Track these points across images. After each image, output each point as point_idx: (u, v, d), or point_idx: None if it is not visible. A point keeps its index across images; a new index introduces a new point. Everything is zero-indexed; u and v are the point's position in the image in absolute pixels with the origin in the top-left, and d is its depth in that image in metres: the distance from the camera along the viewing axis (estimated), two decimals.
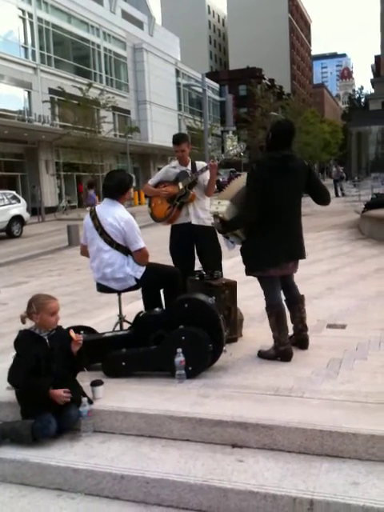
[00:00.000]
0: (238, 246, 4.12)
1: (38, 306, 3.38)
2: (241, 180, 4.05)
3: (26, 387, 3.29)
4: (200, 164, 5.15)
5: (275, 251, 3.86)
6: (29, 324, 3.47)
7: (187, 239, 5.01)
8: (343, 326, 4.75)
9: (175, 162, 5.21)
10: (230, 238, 4.10)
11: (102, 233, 4.18)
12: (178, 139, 5.10)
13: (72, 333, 3.52)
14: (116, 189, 4.29)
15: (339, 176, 30.19)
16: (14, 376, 3.34)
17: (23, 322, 3.44)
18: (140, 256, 4.19)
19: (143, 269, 4.21)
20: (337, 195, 27.58)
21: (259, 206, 3.77)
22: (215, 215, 3.99)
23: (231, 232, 4.05)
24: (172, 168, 5.17)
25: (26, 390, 3.30)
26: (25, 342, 3.38)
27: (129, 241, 4.15)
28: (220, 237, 4.43)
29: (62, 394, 3.26)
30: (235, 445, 3.01)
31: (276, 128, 3.93)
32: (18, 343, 3.40)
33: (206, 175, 5.01)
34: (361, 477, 2.63)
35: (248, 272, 4.05)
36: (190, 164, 5.12)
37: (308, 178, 3.94)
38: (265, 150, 3.97)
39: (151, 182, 5.26)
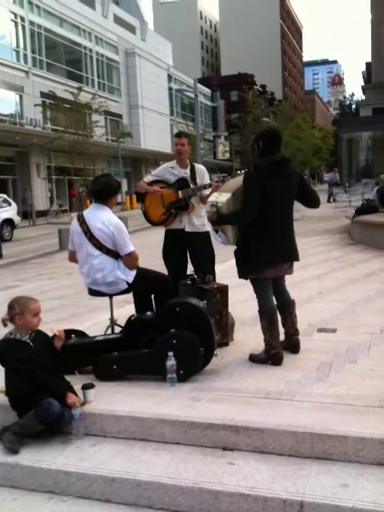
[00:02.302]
0: (223, 242, 4.13)
1: (22, 307, 3.37)
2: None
3: (43, 388, 3.25)
4: (199, 168, 5.11)
5: (271, 252, 3.90)
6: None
7: (180, 244, 5.01)
8: (333, 330, 4.79)
9: (173, 163, 5.12)
10: (219, 233, 4.11)
11: (91, 238, 4.16)
12: (179, 133, 5.14)
13: (54, 329, 3.54)
14: (104, 192, 4.27)
15: (334, 181, 30.05)
16: (22, 384, 3.29)
17: (5, 324, 3.43)
18: (130, 260, 4.19)
19: (134, 273, 4.21)
20: (329, 201, 27.40)
21: (256, 209, 3.81)
22: (213, 204, 4.00)
23: (222, 226, 4.07)
24: (170, 168, 5.09)
25: (42, 390, 3.25)
26: (9, 350, 3.36)
27: (118, 245, 4.15)
28: (209, 226, 4.44)
29: (77, 401, 3.26)
30: (226, 448, 3.03)
31: (265, 135, 4.03)
32: (6, 354, 3.36)
33: (206, 189, 4.95)
34: (350, 479, 2.66)
35: (242, 275, 4.07)
36: (188, 167, 5.07)
37: (300, 183, 4.01)
38: (256, 156, 4.01)
39: (147, 179, 5.17)
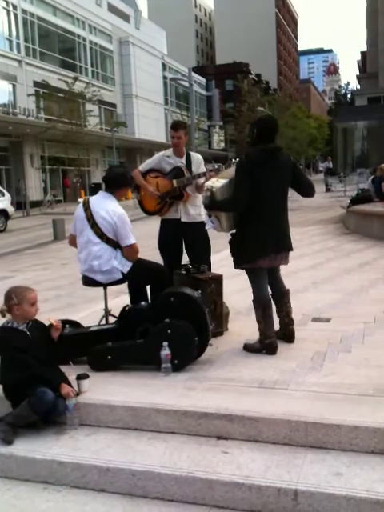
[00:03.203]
0: (215, 228, 4.13)
1: (19, 296, 3.36)
2: None
3: (37, 378, 3.25)
4: (195, 156, 5.07)
5: (262, 242, 3.89)
6: None
7: (176, 234, 4.98)
8: (328, 320, 4.80)
9: (169, 151, 5.07)
10: (212, 218, 4.12)
11: (93, 225, 4.17)
12: (176, 125, 5.01)
13: (52, 319, 3.53)
14: (115, 181, 4.31)
15: (327, 169, 29.98)
16: (15, 373, 3.29)
17: (3, 315, 3.42)
18: (130, 252, 4.19)
19: (130, 263, 4.21)
20: (327, 190, 27.31)
21: (247, 199, 3.80)
22: (208, 189, 4.00)
23: (216, 213, 4.07)
24: (166, 157, 5.04)
25: (36, 380, 3.24)
26: (7, 338, 3.36)
27: (120, 236, 4.15)
28: (204, 212, 4.43)
29: (71, 391, 3.26)
30: (220, 437, 3.03)
31: (260, 123, 4.01)
32: (2, 342, 3.36)
33: (201, 178, 4.91)
34: (344, 467, 2.67)
35: (236, 265, 4.07)
36: (184, 156, 5.02)
37: (292, 172, 3.99)
38: (250, 145, 4.00)
39: (142, 168, 5.11)
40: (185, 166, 4.96)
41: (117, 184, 4.32)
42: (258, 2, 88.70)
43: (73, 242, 4.46)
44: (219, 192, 3.93)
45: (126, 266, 4.19)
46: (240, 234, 4.01)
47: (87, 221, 4.20)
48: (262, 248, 3.91)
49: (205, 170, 5.01)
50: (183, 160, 5.01)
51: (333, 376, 3.47)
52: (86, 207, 4.25)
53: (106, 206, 4.18)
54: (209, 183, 4.07)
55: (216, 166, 5.01)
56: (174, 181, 4.89)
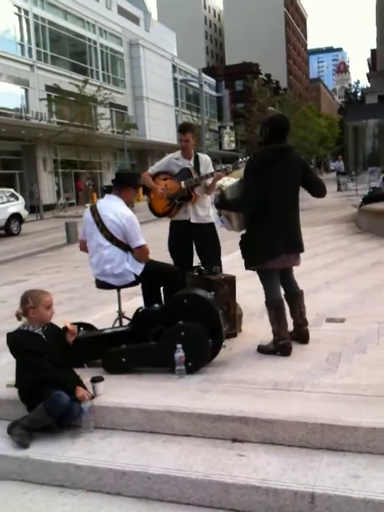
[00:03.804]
0: (226, 227, 4.14)
1: (35, 300, 3.38)
2: None
3: (53, 381, 3.25)
4: (203, 158, 5.08)
5: (271, 243, 3.87)
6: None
7: (186, 235, 4.99)
8: (342, 320, 4.76)
9: (177, 154, 5.10)
10: (222, 217, 4.11)
11: (103, 229, 4.17)
12: (183, 128, 5.04)
13: (67, 324, 3.54)
14: (123, 177, 4.35)
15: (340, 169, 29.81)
16: (30, 376, 3.30)
17: (19, 318, 3.44)
18: (140, 253, 4.19)
19: (143, 265, 4.21)
20: (339, 189, 27.23)
21: (256, 199, 3.78)
22: (219, 188, 3.99)
23: (227, 212, 4.06)
24: (175, 159, 5.06)
25: (51, 384, 3.25)
26: (23, 342, 3.37)
27: (130, 238, 4.15)
28: (213, 213, 4.43)
29: (86, 394, 3.26)
30: (236, 439, 3.01)
31: (271, 123, 3.98)
32: (17, 345, 3.39)
33: (209, 179, 4.93)
34: (361, 470, 2.64)
35: (247, 266, 4.06)
36: (193, 158, 5.04)
37: (303, 171, 3.96)
38: (261, 145, 3.99)
39: (151, 170, 5.14)
40: (193, 168, 4.97)
41: (125, 181, 4.33)
42: (267, 2, 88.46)
43: (83, 247, 4.47)
44: (229, 191, 3.93)
45: (139, 268, 4.19)
46: (250, 235, 4.00)
47: (96, 225, 4.21)
48: (272, 249, 3.88)
49: (213, 170, 5.01)
50: (191, 162, 5.02)
51: (348, 377, 3.44)
52: (94, 211, 4.26)
53: (114, 209, 4.18)
54: (219, 182, 4.07)
55: (223, 167, 5.00)
56: (182, 182, 4.89)
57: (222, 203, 4.01)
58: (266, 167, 3.81)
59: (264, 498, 2.59)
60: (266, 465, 2.76)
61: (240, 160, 4.68)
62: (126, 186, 4.34)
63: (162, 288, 4.41)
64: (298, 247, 4.05)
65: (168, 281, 4.30)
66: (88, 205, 4.57)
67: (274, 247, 3.88)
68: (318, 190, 4.08)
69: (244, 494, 2.63)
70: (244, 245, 4.02)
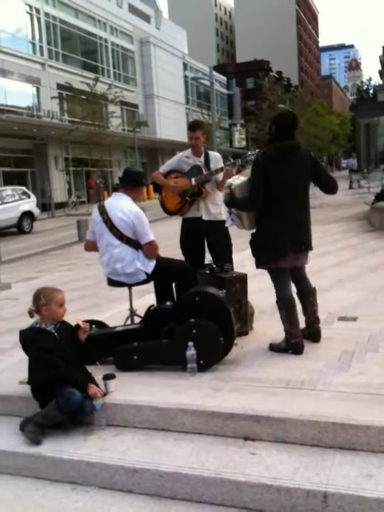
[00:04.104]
0: (237, 226, 4.13)
1: (48, 297, 3.40)
2: None
3: (65, 378, 3.27)
4: (213, 155, 5.09)
5: (279, 242, 3.84)
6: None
7: (197, 233, 4.99)
8: (354, 319, 4.73)
9: (188, 152, 5.11)
10: (232, 215, 4.11)
11: (112, 227, 4.18)
12: (193, 126, 5.06)
13: (80, 321, 3.55)
14: (130, 176, 4.36)
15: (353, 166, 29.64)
16: (43, 374, 3.32)
17: (32, 315, 3.46)
18: (150, 249, 4.19)
19: (153, 263, 4.21)
20: (351, 187, 27.12)
21: (263, 197, 3.77)
22: (228, 186, 3.99)
23: (235, 210, 4.06)
24: (185, 157, 5.08)
25: (64, 381, 3.26)
26: (35, 339, 3.39)
27: (139, 234, 4.15)
28: (224, 210, 4.43)
29: (98, 391, 3.27)
30: (248, 438, 3.01)
31: (278, 119, 3.96)
32: (30, 342, 3.41)
33: (220, 174, 4.93)
34: (374, 469, 2.63)
35: (258, 265, 4.04)
36: (203, 155, 5.05)
37: (313, 168, 3.93)
38: (269, 142, 3.96)
39: (162, 169, 5.17)
40: (203, 165, 4.97)
41: (131, 181, 4.35)
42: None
43: (89, 247, 4.48)
44: (238, 189, 3.92)
45: (150, 267, 4.19)
46: (259, 234, 3.98)
47: (105, 224, 4.21)
48: (280, 248, 3.85)
49: (223, 165, 5.01)
50: (202, 159, 5.04)
51: (361, 376, 3.42)
52: (102, 210, 4.27)
53: (121, 207, 4.19)
54: (229, 181, 4.06)
55: (232, 161, 4.99)
56: (193, 179, 4.91)
57: (230, 201, 4.00)
58: (273, 165, 3.78)
59: (276, 497, 2.59)
60: (278, 463, 2.75)
61: (249, 153, 4.68)
62: (134, 184, 4.35)
63: (173, 285, 4.42)
64: (307, 246, 4.01)
65: (180, 278, 4.30)
66: (95, 205, 4.58)
67: (283, 246, 3.85)
68: (330, 187, 4.05)
69: (256, 493, 2.62)
70: (254, 244, 4.00)
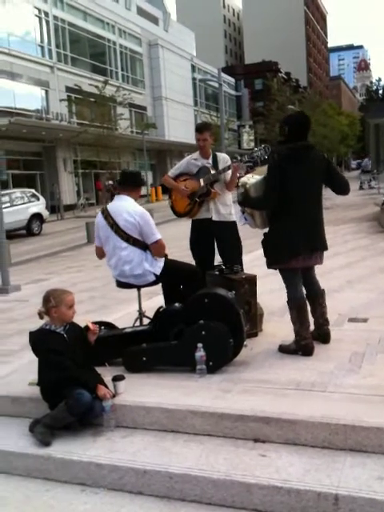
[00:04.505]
0: (249, 224, 4.13)
1: (57, 299, 3.40)
2: None
3: (74, 380, 3.27)
4: (221, 156, 5.10)
5: (294, 242, 3.83)
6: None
7: (207, 234, 4.98)
8: (365, 320, 4.70)
9: (196, 154, 5.12)
10: (245, 214, 4.10)
11: (118, 230, 4.17)
12: (201, 127, 5.07)
13: (89, 323, 3.55)
14: (130, 178, 4.39)
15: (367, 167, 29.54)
16: (52, 375, 3.32)
17: (41, 317, 3.47)
18: (157, 248, 4.19)
19: (162, 264, 4.21)
20: (362, 188, 27.06)
21: (277, 196, 3.76)
22: (242, 185, 3.99)
23: (248, 209, 4.06)
24: (193, 160, 5.09)
25: (73, 382, 3.26)
26: (45, 341, 3.39)
27: (145, 234, 4.15)
28: (234, 211, 4.42)
29: (107, 393, 3.27)
30: (257, 439, 2.99)
31: (292, 120, 3.95)
32: (40, 344, 3.41)
33: (228, 173, 4.95)
34: None
35: (269, 265, 4.02)
36: (211, 157, 5.05)
37: (326, 169, 3.92)
38: (281, 143, 3.95)
39: (171, 173, 5.19)
40: (211, 166, 4.97)
41: (133, 180, 4.38)
42: (287, 0, 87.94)
43: (100, 253, 4.48)
44: (253, 189, 3.91)
45: (158, 268, 4.19)
46: (273, 234, 3.97)
47: (110, 227, 4.21)
48: (295, 248, 3.85)
49: (230, 163, 5.00)
50: (210, 160, 5.04)
51: (372, 378, 3.39)
52: (106, 214, 4.26)
53: (125, 208, 4.19)
54: (243, 180, 4.04)
55: (239, 158, 4.99)
56: (201, 180, 4.92)
57: (245, 200, 3.99)
58: (288, 165, 3.77)
59: (286, 499, 2.57)
60: (288, 465, 2.73)
61: (255, 149, 4.69)
62: (135, 185, 4.38)
63: (182, 287, 4.41)
64: (322, 246, 4.00)
65: (188, 280, 4.29)
66: (98, 210, 4.59)
67: (297, 246, 3.84)
68: (342, 188, 4.04)
69: (266, 495, 2.60)
70: (267, 243, 3.99)
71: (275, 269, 4.02)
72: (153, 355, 3.85)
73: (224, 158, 5.09)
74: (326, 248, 4.04)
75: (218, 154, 5.14)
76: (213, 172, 4.92)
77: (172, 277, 4.26)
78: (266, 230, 4.04)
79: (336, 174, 4.03)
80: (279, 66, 70.73)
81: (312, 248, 3.94)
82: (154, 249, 4.18)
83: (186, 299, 4.30)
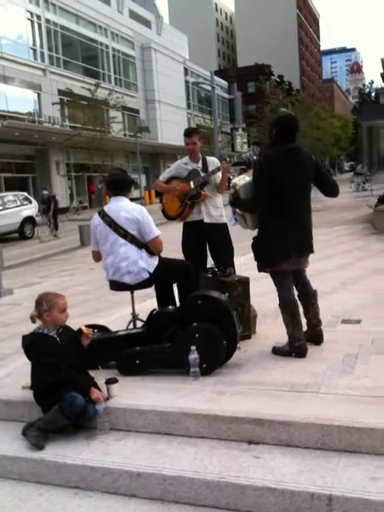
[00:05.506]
0: (241, 225, 4.16)
1: (50, 303, 3.39)
2: None
3: (67, 383, 3.26)
4: (211, 160, 5.13)
5: (285, 245, 3.83)
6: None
7: (199, 236, 5.00)
8: (358, 321, 4.71)
9: (186, 158, 5.16)
10: (236, 215, 4.12)
11: (116, 227, 4.20)
12: (189, 132, 5.10)
13: (83, 327, 3.55)
14: (122, 182, 4.40)
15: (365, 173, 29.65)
16: (45, 378, 3.31)
17: (33, 321, 3.46)
18: (156, 244, 4.24)
19: (156, 263, 4.23)
20: (358, 190, 27.14)
21: (266, 199, 3.77)
22: (233, 186, 4.00)
23: (238, 210, 4.08)
24: (183, 164, 5.13)
25: (66, 385, 3.25)
26: (36, 344, 3.39)
27: (144, 230, 4.19)
28: (229, 210, 4.44)
29: (101, 396, 3.26)
30: (251, 441, 2.99)
31: (278, 122, 3.95)
32: (32, 347, 3.40)
33: (218, 174, 4.98)
34: (379, 472, 2.60)
35: (260, 268, 4.03)
36: (201, 161, 5.09)
37: (316, 171, 3.92)
38: (270, 145, 3.96)
39: (162, 177, 5.23)
40: (201, 169, 5.01)
41: (125, 184, 4.41)
42: (279, 4, 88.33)
43: (97, 257, 4.47)
44: (243, 190, 3.92)
45: (152, 266, 4.22)
46: (262, 237, 3.96)
47: (109, 226, 4.23)
48: (284, 250, 3.85)
49: (219, 164, 5.02)
50: (200, 164, 5.08)
51: (365, 379, 3.40)
52: (103, 215, 4.29)
53: (125, 207, 4.25)
54: (234, 181, 4.05)
55: (228, 159, 5.02)
56: (191, 182, 4.95)
57: (235, 202, 4.01)
58: (276, 167, 3.77)
59: (280, 500, 2.57)
60: (282, 466, 2.73)
61: (244, 151, 4.71)
62: (129, 187, 4.45)
63: (175, 287, 4.42)
64: (309, 249, 4.01)
65: (181, 277, 4.33)
66: (95, 213, 4.60)
67: (287, 249, 3.85)
68: (332, 190, 4.05)
69: (260, 496, 2.60)
70: (257, 247, 3.99)
71: (266, 272, 4.03)
72: (146, 358, 3.84)
73: (214, 162, 5.12)
74: (312, 251, 4.05)
75: (208, 157, 5.18)
76: (202, 174, 4.95)
77: (166, 274, 4.28)
78: (256, 233, 4.05)
79: (325, 177, 4.03)
80: (272, 69, 71.06)
81: (300, 251, 3.95)
82: (152, 245, 4.23)
83: (181, 295, 4.32)
